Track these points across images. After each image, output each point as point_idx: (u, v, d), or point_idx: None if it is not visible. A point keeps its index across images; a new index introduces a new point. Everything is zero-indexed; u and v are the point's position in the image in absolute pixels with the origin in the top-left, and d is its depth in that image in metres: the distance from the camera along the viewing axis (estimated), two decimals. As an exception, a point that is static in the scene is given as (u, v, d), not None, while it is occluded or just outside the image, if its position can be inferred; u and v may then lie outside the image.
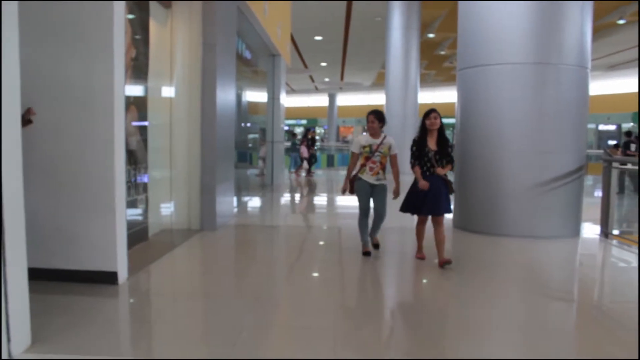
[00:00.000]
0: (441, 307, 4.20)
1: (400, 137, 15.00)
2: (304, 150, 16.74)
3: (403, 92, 15.69)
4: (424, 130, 5.21)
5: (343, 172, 18.32)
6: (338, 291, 4.52)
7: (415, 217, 5.48)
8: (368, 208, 5.52)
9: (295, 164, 17.51)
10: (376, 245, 5.74)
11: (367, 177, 5.40)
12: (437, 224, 5.21)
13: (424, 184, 5.09)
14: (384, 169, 5.44)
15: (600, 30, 22.05)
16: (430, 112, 5.19)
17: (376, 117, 5.43)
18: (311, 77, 36.09)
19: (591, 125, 36.51)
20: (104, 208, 4.10)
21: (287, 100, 16.87)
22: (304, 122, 48.55)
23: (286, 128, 16.86)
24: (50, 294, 3.81)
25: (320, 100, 45.02)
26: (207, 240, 6.19)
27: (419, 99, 16.41)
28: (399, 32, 15.64)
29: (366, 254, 5.49)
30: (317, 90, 42.80)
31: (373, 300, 4.45)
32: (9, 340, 2.82)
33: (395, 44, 15.77)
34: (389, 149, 5.42)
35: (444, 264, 5.05)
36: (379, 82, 32.27)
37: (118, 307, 3.93)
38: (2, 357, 2.77)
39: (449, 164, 5.28)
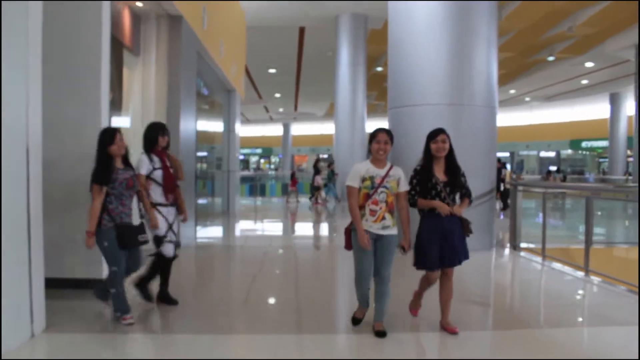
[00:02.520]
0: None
1: (348, 166, 16.35)
2: (317, 180, 18.11)
3: (351, 123, 17.06)
4: (428, 157, 4.12)
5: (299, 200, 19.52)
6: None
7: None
8: (369, 273, 4.06)
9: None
10: (381, 333, 4.01)
11: (368, 224, 3.99)
12: (447, 276, 4.17)
13: (446, 208, 4.02)
14: (391, 211, 4.04)
15: (535, 65, 24.33)
16: (438, 134, 4.08)
17: (390, 136, 4.06)
18: (266, 108, 37.42)
19: (533, 152, 39.12)
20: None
21: (243, 130, 18.06)
22: (259, 150, 49.83)
23: (241, 157, 18.10)
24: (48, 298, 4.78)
25: (275, 130, 46.40)
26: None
27: (370, 129, 17.78)
28: (347, 67, 17.08)
29: (355, 321, 4.29)
30: (271, 120, 44.16)
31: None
32: (32, 321, 3.81)
33: (344, 78, 17.19)
34: (397, 184, 4.06)
35: (449, 331, 4.12)
36: (332, 113, 33.84)
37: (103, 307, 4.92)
38: (26, 335, 3.74)
39: (465, 198, 4.20)
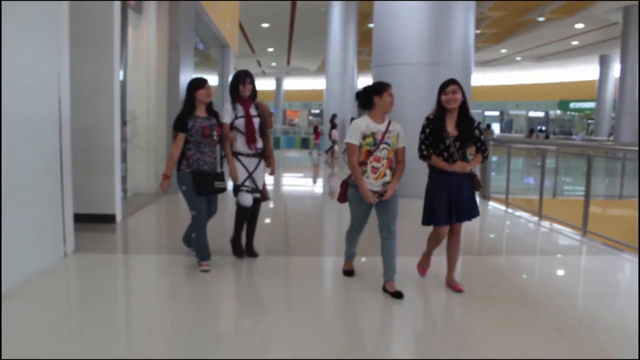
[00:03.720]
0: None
1: (340, 121, 17.09)
2: (334, 134, 18.37)
3: (341, 79, 17.75)
4: (440, 109, 3.94)
5: (289, 155, 20.34)
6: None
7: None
8: (363, 224, 4.25)
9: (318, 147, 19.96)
10: (397, 294, 3.91)
11: (369, 182, 3.94)
12: (454, 233, 4.14)
13: (459, 166, 3.91)
14: (391, 167, 4.01)
15: (526, 25, 24.84)
16: (448, 84, 3.90)
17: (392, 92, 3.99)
18: (258, 62, 37.73)
19: (522, 112, 39.93)
20: (106, 167, 5.92)
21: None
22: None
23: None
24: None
25: (267, 84, 46.72)
26: (173, 199, 8.05)
27: (362, 84, 18.45)
28: (338, 25, 17.65)
29: (348, 272, 4.43)
30: (264, 74, 44.44)
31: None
32: (64, 243, 4.66)
33: (335, 35, 17.79)
34: (397, 139, 4.00)
35: (454, 289, 4.11)
36: (325, 68, 34.37)
37: (120, 234, 5.79)
38: (60, 255, 4.60)
39: (479, 153, 4.06)
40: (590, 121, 36.46)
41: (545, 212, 7.15)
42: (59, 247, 4.60)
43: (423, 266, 4.46)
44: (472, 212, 4.07)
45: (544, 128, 34.14)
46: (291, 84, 46.82)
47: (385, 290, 4.00)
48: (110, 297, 3.98)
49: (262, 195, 4.81)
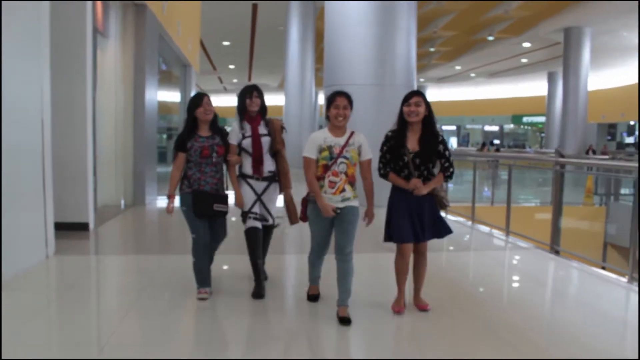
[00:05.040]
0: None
1: (296, 138, 17.92)
2: None
3: (300, 96, 18.65)
4: (402, 124, 3.80)
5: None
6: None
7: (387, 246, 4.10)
8: (325, 245, 4.00)
9: None
10: (345, 320, 3.72)
11: (327, 197, 3.77)
12: (420, 253, 3.99)
13: (414, 183, 3.77)
14: (352, 183, 3.82)
15: (478, 43, 26.36)
16: (412, 96, 3.75)
17: (348, 100, 3.80)
18: (220, 78, 38.45)
19: (477, 126, 41.70)
20: (80, 180, 6.60)
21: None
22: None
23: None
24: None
25: (229, 101, 47.29)
26: (139, 210, 8.73)
27: (322, 101, 19.48)
28: (296, 43, 18.59)
29: (313, 297, 4.17)
30: (225, 90, 45.12)
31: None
32: (46, 245, 5.34)
33: (293, 54, 18.71)
34: (358, 152, 3.83)
35: (421, 308, 4.00)
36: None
37: (93, 239, 6.46)
38: (42, 256, 5.26)
39: (440, 173, 3.89)
40: (542, 134, 38.35)
41: (481, 218, 8.12)
42: (41, 250, 5.28)
43: (398, 304, 4.00)
44: (439, 229, 3.90)
45: (497, 141, 35.86)
46: (252, 100, 47.41)
47: (337, 314, 3.79)
48: (85, 290, 4.76)
49: (291, 220, 4.36)
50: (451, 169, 3.87)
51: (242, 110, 4.31)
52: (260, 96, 4.33)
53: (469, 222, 8.17)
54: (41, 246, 5.28)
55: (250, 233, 4.28)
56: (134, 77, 9.01)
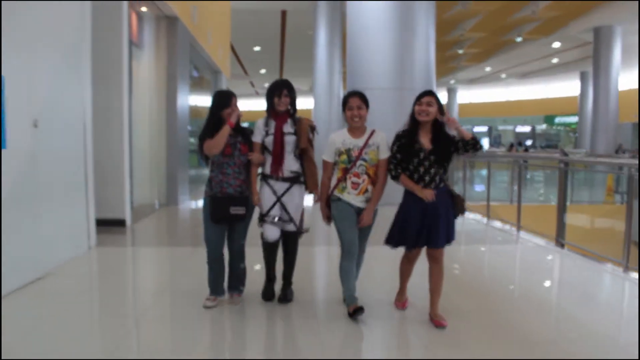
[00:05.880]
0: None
1: (325, 140, 18.44)
2: None
3: (328, 100, 19.13)
4: (414, 120, 3.68)
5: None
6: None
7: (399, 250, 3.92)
8: (354, 245, 3.80)
9: None
10: (357, 310, 3.78)
11: (350, 197, 3.78)
12: (433, 260, 3.77)
13: (428, 192, 3.61)
14: (374, 183, 3.81)
15: (507, 44, 26.43)
16: (424, 95, 3.64)
17: (363, 99, 3.81)
18: (252, 83, 39.28)
19: (509, 127, 41.52)
20: (118, 181, 7.23)
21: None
22: (246, 124, 51.51)
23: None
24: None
25: (261, 104, 48.05)
26: (172, 210, 9.36)
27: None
28: (324, 48, 19.10)
29: (356, 311, 3.75)
30: (257, 94, 45.98)
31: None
32: (89, 238, 5.96)
33: (321, 58, 19.23)
34: (377, 153, 3.79)
35: (437, 325, 3.69)
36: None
37: (130, 234, 7.08)
38: (85, 248, 5.88)
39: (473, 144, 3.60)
40: (576, 135, 37.96)
41: (499, 215, 8.48)
42: (84, 242, 5.91)
43: (400, 299, 4.06)
44: (449, 236, 3.73)
45: (529, 142, 35.73)
46: (284, 103, 48.20)
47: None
48: (123, 276, 5.42)
49: (297, 227, 4.09)
50: (479, 145, 3.61)
51: (269, 106, 4.09)
52: (291, 94, 4.04)
53: (485, 219, 8.53)
54: (84, 239, 5.91)
55: (265, 247, 4.14)
56: (166, 85, 9.67)
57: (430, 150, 3.62)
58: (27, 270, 4.63)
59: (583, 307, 4.41)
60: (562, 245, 6.33)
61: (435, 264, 3.76)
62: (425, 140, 3.64)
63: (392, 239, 3.79)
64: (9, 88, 4.24)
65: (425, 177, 3.63)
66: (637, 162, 6.23)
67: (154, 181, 9.72)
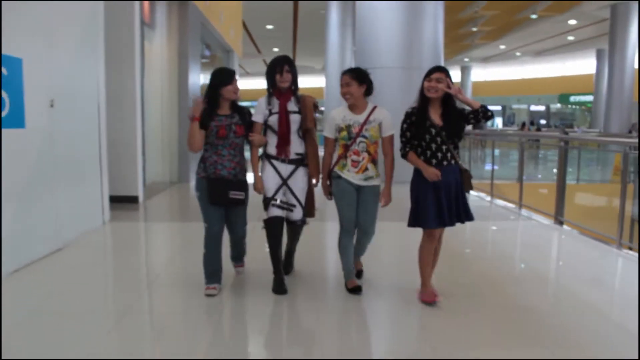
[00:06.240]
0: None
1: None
2: None
3: (339, 80, 19.25)
4: (423, 97, 3.60)
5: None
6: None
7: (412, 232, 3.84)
8: (354, 221, 3.87)
9: None
10: (359, 273, 4.20)
11: (350, 175, 3.78)
12: (438, 238, 3.81)
13: (433, 172, 3.54)
14: (374, 161, 3.81)
15: (521, 22, 26.21)
16: (434, 71, 3.56)
17: (353, 75, 3.77)
18: (265, 61, 39.31)
19: (523, 106, 41.23)
20: (131, 159, 7.51)
21: (243, 84, 20.31)
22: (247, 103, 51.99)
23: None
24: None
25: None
26: (184, 187, 9.65)
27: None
28: (336, 28, 19.21)
29: (354, 289, 3.92)
30: (271, 73, 46.07)
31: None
32: (103, 213, 6.26)
33: (333, 38, 19.34)
34: (379, 130, 3.78)
35: (432, 302, 3.71)
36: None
37: (143, 210, 7.38)
38: (100, 222, 6.17)
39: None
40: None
41: (503, 193, 8.66)
42: (99, 217, 6.20)
43: (429, 293, 3.77)
44: (464, 214, 3.71)
45: (544, 121, 35.53)
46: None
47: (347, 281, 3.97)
48: (137, 247, 5.75)
49: (304, 212, 3.98)
50: (489, 112, 3.55)
51: (270, 83, 3.90)
52: (292, 70, 3.87)
53: (488, 197, 8.71)
54: (99, 214, 6.20)
55: (270, 223, 3.90)
56: (178, 65, 9.90)
57: (441, 127, 3.56)
58: (48, 241, 4.94)
59: (574, 280, 4.62)
60: (560, 223, 6.50)
61: (438, 242, 3.82)
62: (435, 116, 3.60)
63: (413, 220, 3.69)
64: (27, 70, 4.49)
65: (438, 154, 3.59)
66: (633, 140, 6.32)
67: (166, 159, 10.01)
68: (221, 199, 3.78)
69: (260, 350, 3.27)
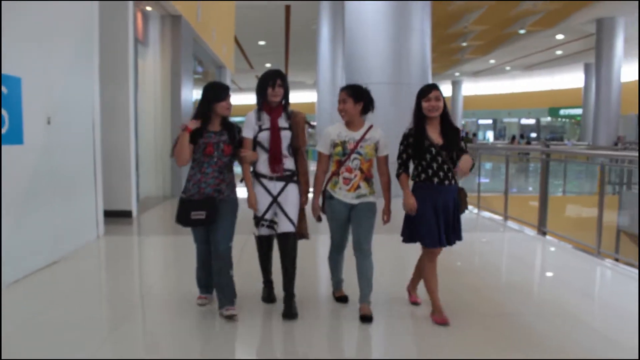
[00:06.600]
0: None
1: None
2: None
3: (331, 94, 19.47)
4: (420, 118, 3.65)
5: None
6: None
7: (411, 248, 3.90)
8: (343, 243, 3.91)
9: None
10: (367, 318, 3.74)
11: (342, 194, 3.74)
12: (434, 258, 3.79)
13: (411, 205, 3.62)
14: (368, 179, 3.76)
15: (510, 37, 26.66)
16: (430, 90, 3.62)
17: (349, 93, 3.76)
18: (257, 77, 39.65)
19: (514, 120, 41.72)
20: (125, 174, 7.67)
21: (235, 99, 20.58)
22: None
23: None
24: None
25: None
26: (176, 201, 9.79)
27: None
28: (327, 43, 19.46)
29: (340, 299, 4.05)
30: (263, 88, 46.39)
31: None
32: (97, 227, 6.41)
33: (324, 53, 19.59)
34: (375, 148, 3.75)
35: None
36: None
37: (136, 224, 7.53)
38: (94, 236, 6.32)
39: (465, 154, 3.62)
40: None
41: (489, 206, 8.88)
42: (93, 231, 6.35)
43: (440, 313, 3.73)
44: (456, 234, 3.75)
45: (534, 135, 35.99)
46: (290, 97, 48.66)
47: (360, 311, 3.80)
48: (130, 260, 5.92)
49: (297, 230, 3.84)
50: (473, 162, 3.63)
51: (261, 97, 3.81)
52: (284, 84, 3.79)
53: (475, 209, 8.92)
54: (93, 228, 6.35)
55: (259, 242, 3.95)
56: (171, 81, 10.10)
57: (441, 146, 3.59)
58: (45, 254, 5.10)
59: (554, 288, 4.82)
60: (544, 234, 6.71)
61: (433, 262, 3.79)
62: (434, 135, 3.62)
63: (409, 236, 3.74)
64: (26, 88, 4.67)
65: (440, 173, 3.60)
66: (609, 153, 6.56)
67: (159, 174, 10.18)
68: (184, 220, 3.75)
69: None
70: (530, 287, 4.92)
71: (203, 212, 3.67)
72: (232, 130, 3.81)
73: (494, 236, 7.22)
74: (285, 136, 3.78)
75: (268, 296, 4.06)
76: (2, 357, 3.10)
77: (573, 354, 3.29)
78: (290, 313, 3.75)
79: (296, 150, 3.87)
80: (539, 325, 3.77)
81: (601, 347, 3.44)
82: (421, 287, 4.09)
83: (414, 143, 3.60)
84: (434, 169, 3.59)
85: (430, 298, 3.78)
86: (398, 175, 3.72)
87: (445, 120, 3.67)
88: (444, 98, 3.64)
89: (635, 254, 9.96)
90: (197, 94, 12.14)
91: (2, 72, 4.31)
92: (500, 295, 4.49)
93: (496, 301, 4.30)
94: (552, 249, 6.41)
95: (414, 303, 4.06)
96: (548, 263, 6.06)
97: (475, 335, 3.59)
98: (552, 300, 4.43)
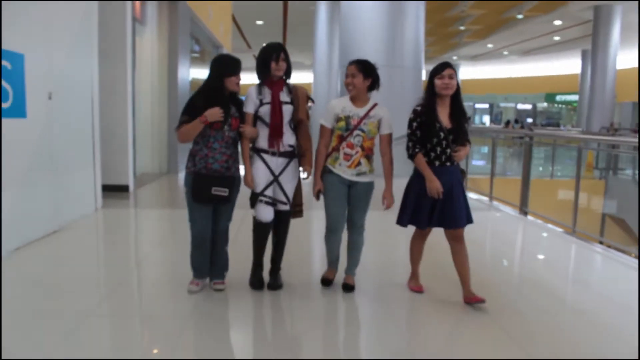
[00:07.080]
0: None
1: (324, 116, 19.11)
2: None
3: (327, 75, 19.72)
4: (431, 96, 3.59)
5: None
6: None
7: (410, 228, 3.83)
8: (341, 221, 3.80)
9: None
10: (349, 287, 3.88)
11: (341, 169, 3.69)
12: (456, 240, 3.71)
13: (437, 187, 3.53)
14: (369, 156, 3.70)
15: (508, 21, 26.77)
16: (445, 67, 3.54)
17: (359, 67, 3.68)
18: (255, 56, 39.61)
19: (510, 104, 41.95)
20: (122, 150, 7.92)
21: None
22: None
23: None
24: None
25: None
26: (173, 177, 10.08)
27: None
28: (324, 24, 19.64)
29: (326, 282, 3.96)
30: (261, 68, 46.39)
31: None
32: (95, 200, 6.68)
33: (321, 34, 19.79)
34: (377, 126, 3.70)
35: (474, 302, 3.63)
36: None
37: (133, 198, 7.80)
38: (92, 208, 6.59)
39: (466, 142, 3.66)
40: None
41: (476, 187, 9.18)
42: (92, 203, 6.62)
43: (416, 282, 3.96)
44: (468, 216, 3.70)
45: (530, 120, 36.29)
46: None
47: (343, 281, 3.89)
48: (127, 230, 6.25)
49: (292, 208, 3.85)
50: (469, 143, 3.72)
51: (264, 71, 3.72)
52: (287, 59, 3.73)
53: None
54: (92, 200, 6.62)
55: (258, 228, 3.82)
56: (168, 59, 10.32)
57: (449, 129, 3.55)
58: (45, 224, 5.38)
59: (531, 263, 5.13)
60: (525, 214, 7.01)
61: (458, 243, 3.71)
62: (444, 117, 3.57)
63: (404, 219, 3.72)
64: (28, 64, 4.90)
65: (442, 157, 3.58)
66: (587, 137, 6.84)
67: (156, 150, 10.42)
68: (204, 195, 3.58)
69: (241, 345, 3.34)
70: (500, 258, 5.23)
71: (226, 190, 3.60)
72: (239, 105, 3.74)
73: (479, 215, 7.48)
74: (287, 110, 3.70)
75: (258, 280, 3.90)
76: (4, 314, 3.37)
77: (534, 316, 3.58)
78: (275, 284, 3.88)
79: (298, 124, 3.80)
80: (509, 293, 4.08)
81: (557, 308, 3.74)
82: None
83: (424, 123, 3.55)
84: (437, 152, 3.57)
85: (412, 270, 3.97)
86: (413, 155, 3.60)
87: (457, 101, 3.61)
88: (457, 77, 3.57)
89: (620, 238, 10.30)
90: (194, 73, 12.38)
91: (6, 48, 4.54)
92: (480, 267, 4.78)
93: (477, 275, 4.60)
94: (530, 227, 6.71)
95: (478, 302, 3.66)
96: (528, 241, 6.36)
97: (451, 300, 3.88)
98: (528, 272, 4.73)
